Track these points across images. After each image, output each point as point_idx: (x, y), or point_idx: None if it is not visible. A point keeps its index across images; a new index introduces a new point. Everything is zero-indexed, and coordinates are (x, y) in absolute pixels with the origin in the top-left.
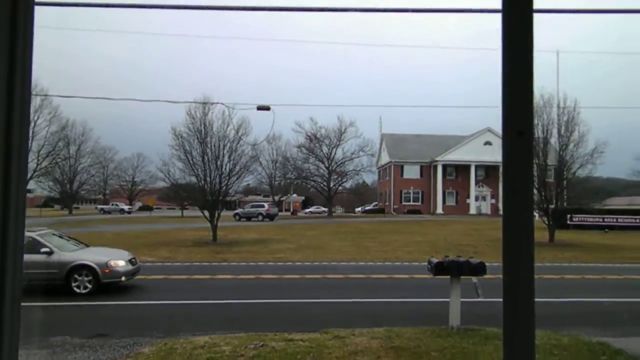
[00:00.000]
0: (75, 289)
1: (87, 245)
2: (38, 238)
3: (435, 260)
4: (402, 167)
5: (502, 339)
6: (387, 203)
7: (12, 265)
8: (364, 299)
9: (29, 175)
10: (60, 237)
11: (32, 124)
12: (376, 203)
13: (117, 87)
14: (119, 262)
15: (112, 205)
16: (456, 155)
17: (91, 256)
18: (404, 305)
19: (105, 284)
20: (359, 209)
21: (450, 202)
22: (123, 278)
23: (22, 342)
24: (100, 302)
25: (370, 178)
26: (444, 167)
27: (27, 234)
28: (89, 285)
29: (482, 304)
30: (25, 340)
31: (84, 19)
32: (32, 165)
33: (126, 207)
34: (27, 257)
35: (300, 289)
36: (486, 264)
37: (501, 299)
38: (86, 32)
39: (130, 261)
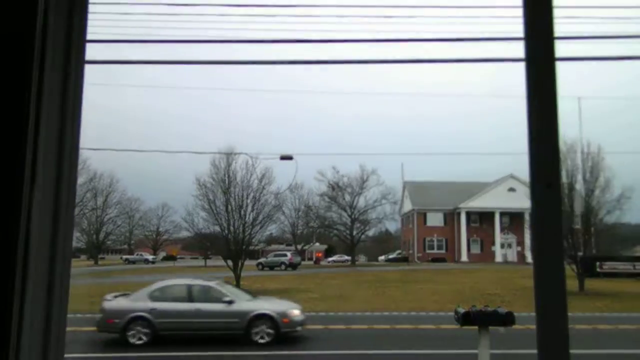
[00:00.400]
0: (255, 338)
1: (255, 295)
2: (218, 287)
3: (462, 310)
4: (425, 214)
5: None
6: (410, 251)
7: (57, 315)
8: (390, 350)
9: None
10: (233, 286)
11: None
12: (399, 251)
13: (143, 139)
14: (295, 311)
15: (137, 255)
16: (480, 203)
17: (270, 305)
18: (431, 358)
19: (284, 334)
20: (382, 257)
21: (475, 249)
22: (299, 328)
23: None
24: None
25: (393, 226)
26: (468, 214)
27: (203, 283)
28: (268, 336)
29: (512, 356)
30: None
31: (105, 74)
32: None
33: (150, 257)
34: (209, 306)
35: (323, 340)
36: (515, 313)
37: (531, 350)
38: (110, 87)
39: (301, 311)
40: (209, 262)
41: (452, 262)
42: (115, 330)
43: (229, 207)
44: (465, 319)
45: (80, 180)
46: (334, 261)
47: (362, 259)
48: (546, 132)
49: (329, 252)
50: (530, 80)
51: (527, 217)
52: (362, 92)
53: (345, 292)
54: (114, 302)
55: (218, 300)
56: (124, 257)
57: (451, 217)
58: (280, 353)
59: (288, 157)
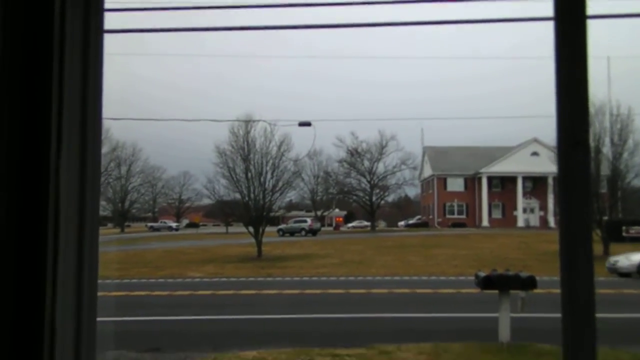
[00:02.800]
0: None
1: None
2: None
3: (482, 274)
4: (445, 179)
5: (555, 354)
6: (430, 217)
7: (88, 278)
8: (410, 314)
9: None
10: None
11: None
12: (419, 217)
13: (164, 109)
14: None
15: (161, 222)
16: (502, 167)
17: None
18: (451, 321)
19: None
20: (402, 223)
21: (497, 214)
22: None
23: None
24: (150, 318)
25: (412, 192)
26: (489, 179)
27: None
28: None
29: (533, 319)
30: None
31: (129, 43)
32: None
33: (174, 225)
34: None
35: (345, 303)
36: (536, 278)
37: (552, 314)
38: (132, 56)
39: None
40: (231, 229)
41: (472, 227)
42: None
43: (249, 174)
44: (486, 282)
45: (104, 149)
46: (353, 227)
47: (381, 224)
48: (575, 87)
49: (348, 218)
50: (559, 35)
51: (550, 181)
52: (381, 57)
53: (365, 258)
54: None
55: None
56: (149, 224)
57: (472, 182)
58: (303, 316)
59: (306, 124)
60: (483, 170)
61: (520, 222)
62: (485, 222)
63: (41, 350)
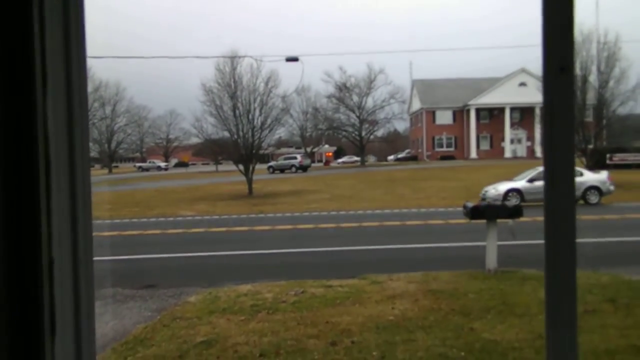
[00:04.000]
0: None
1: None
2: None
3: (470, 204)
4: (434, 113)
5: (540, 279)
6: (419, 150)
7: (83, 219)
8: (400, 245)
9: None
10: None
11: None
12: (409, 151)
13: (147, 46)
14: None
15: (150, 162)
16: (490, 99)
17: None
18: (440, 250)
19: None
20: (392, 157)
21: (485, 146)
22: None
23: None
24: (141, 257)
25: (401, 126)
26: (478, 111)
27: None
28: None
29: (519, 246)
30: None
31: None
32: None
33: (163, 164)
34: None
35: (336, 237)
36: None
37: (537, 241)
38: None
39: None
40: (220, 168)
41: (461, 159)
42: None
43: (237, 111)
44: (474, 212)
45: (87, 90)
46: (343, 162)
47: (371, 159)
48: (560, 13)
49: (338, 154)
50: None
51: (538, 111)
52: None
53: (356, 192)
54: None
55: None
56: (137, 165)
57: (460, 114)
58: (295, 250)
59: (294, 59)
60: (471, 102)
61: (508, 153)
62: (473, 154)
63: (41, 289)
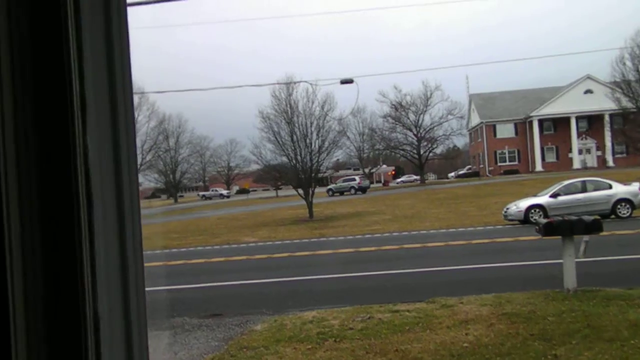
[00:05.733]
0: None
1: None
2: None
3: (543, 220)
4: (494, 126)
5: (628, 298)
6: (481, 165)
7: (132, 256)
8: (467, 265)
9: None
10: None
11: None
12: (470, 167)
13: (205, 78)
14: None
15: (212, 191)
16: (553, 109)
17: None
18: (511, 270)
19: None
20: (452, 174)
21: (551, 158)
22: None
23: None
24: (210, 284)
25: (461, 141)
26: (541, 122)
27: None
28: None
29: (599, 263)
30: None
31: (160, 14)
32: (137, 160)
33: (225, 192)
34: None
35: (400, 259)
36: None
37: (615, 257)
38: (167, 28)
39: None
40: (280, 193)
41: (526, 173)
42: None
43: (294, 136)
44: (547, 228)
45: (152, 124)
46: (403, 182)
47: (431, 177)
48: None
49: (397, 173)
50: None
51: (607, 118)
52: (417, 5)
53: (417, 212)
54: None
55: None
56: (201, 193)
57: (522, 126)
58: (359, 274)
59: (348, 81)
60: (533, 113)
61: (577, 164)
62: (539, 167)
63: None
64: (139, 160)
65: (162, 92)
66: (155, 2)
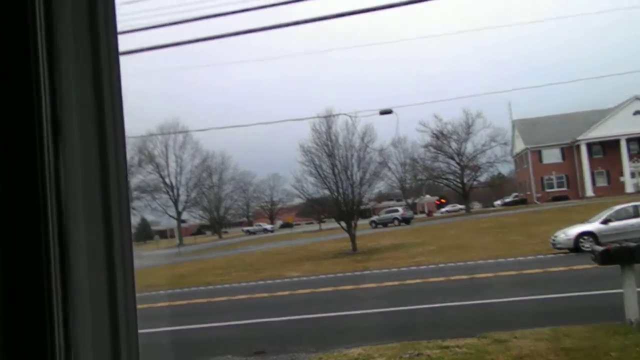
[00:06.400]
0: None
1: None
2: None
3: (600, 248)
4: (539, 152)
5: None
6: (528, 193)
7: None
8: (518, 297)
9: (181, 207)
10: None
11: (178, 160)
12: (516, 194)
13: (245, 114)
14: None
15: (256, 226)
16: (601, 131)
17: None
18: (566, 301)
19: None
20: (498, 202)
21: (601, 182)
22: None
23: None
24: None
25: (506, 169)
26: (589, 145)
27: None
28: None
29: None
30: None
31: (198, 56)
32: (183, 197)
33: (269, 227)
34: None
35: (446, 291)
36: None
37: None
38: (208, 67)
39: None
40: (323, 226)
41: (575, 198)
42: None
43: (335, 169)
44: (604, 256)
45: (196, 161)
46: (447, 211)
47: (476, 206)
48: None
49: (441, 203)
50: None
51: None
52: (454, 32)
53: (463, 242)
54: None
55: None
56: (245, 229)
57: (570, 151)
58: (406, 308)
59: (387, 112)
60: (581, 137)
61: (630, 188)
62: (589, 192)
63: None
64: (185, 198)
65: (204, 129)
66: (183, 45)
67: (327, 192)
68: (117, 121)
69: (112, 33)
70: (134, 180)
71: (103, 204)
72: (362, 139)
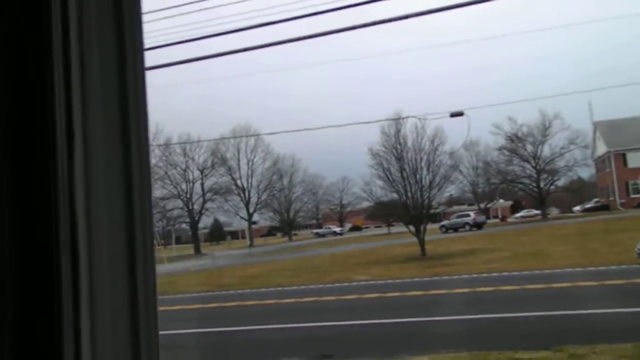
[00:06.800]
0: None
1: None
2: None
3: None
4: (624, 155)
5: None
6: (611, 198)
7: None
8: (598, 309)
9: (252, 209)
10: None
11: (250, 163)
12: (597, 199)
13: (315, 117)
14: None
15: (325, 228)
16: None
17: None
18: None
19: None
20: (578, 207)
21: None
22: None
23: None
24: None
25: (586, 173)
26: None
27: None
28: None
29: None
30: None
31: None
32: (254, 199)
33: (338, 230)
34: None
35: (520, 300)
36: None
37: None
38: (277, 72)
39: None
40: (392, 230)
41: None
42: None
43: (404, 173)
44: None
45: (266, 164)
46: (522, 217)
47: (553, 211)
48: None
49: (515, 208)
50: None
51: None
52: (530, 31)
53: (540, 249)
54: None
55: None
56: (314, 231)
57: None
58: (476, 317)
59: (458, 114)
60: None
61: None
62: None
63: None
64: (255, 199)
65: (273, 133)
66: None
67: (395, 195)
68: (142, 132)
69: (138, 46)
70: (208, 183)
71: (126, 212)
72: (432, 142)
